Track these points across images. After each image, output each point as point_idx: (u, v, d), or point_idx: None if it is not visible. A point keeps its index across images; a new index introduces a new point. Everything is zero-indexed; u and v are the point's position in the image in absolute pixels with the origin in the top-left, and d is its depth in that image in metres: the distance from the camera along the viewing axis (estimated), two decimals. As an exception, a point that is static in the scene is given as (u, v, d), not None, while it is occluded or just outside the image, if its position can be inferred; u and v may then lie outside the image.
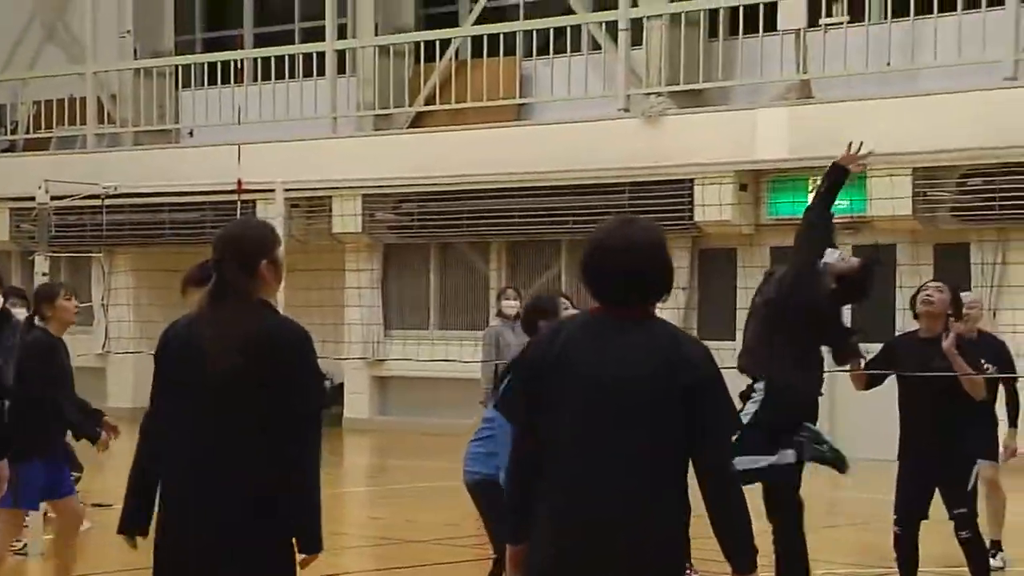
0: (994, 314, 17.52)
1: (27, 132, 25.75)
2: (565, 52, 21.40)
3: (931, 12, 18.67)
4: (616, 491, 4.41)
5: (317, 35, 23.65)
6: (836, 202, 8.94)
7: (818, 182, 16.28)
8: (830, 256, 8.66)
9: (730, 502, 4.46)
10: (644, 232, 4.52)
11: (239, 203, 17.26)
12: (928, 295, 8.90)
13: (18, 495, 8.52)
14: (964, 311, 9.63)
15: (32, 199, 10.87)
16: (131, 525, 5.14)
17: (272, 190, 15.82)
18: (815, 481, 8.82)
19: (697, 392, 4.40)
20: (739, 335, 18.11)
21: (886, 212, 18.24)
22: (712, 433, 4.45)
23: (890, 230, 18.51)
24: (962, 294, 9.43)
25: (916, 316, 9.02)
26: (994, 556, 10.46)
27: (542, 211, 20.71)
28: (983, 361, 9.37)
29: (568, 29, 21.40)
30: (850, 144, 8.91)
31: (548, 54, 21.74)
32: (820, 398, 8.77)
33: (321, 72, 23.23)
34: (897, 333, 11.06)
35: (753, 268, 18.62)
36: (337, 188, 21.86)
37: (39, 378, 8.56)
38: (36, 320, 8.90)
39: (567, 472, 4.47)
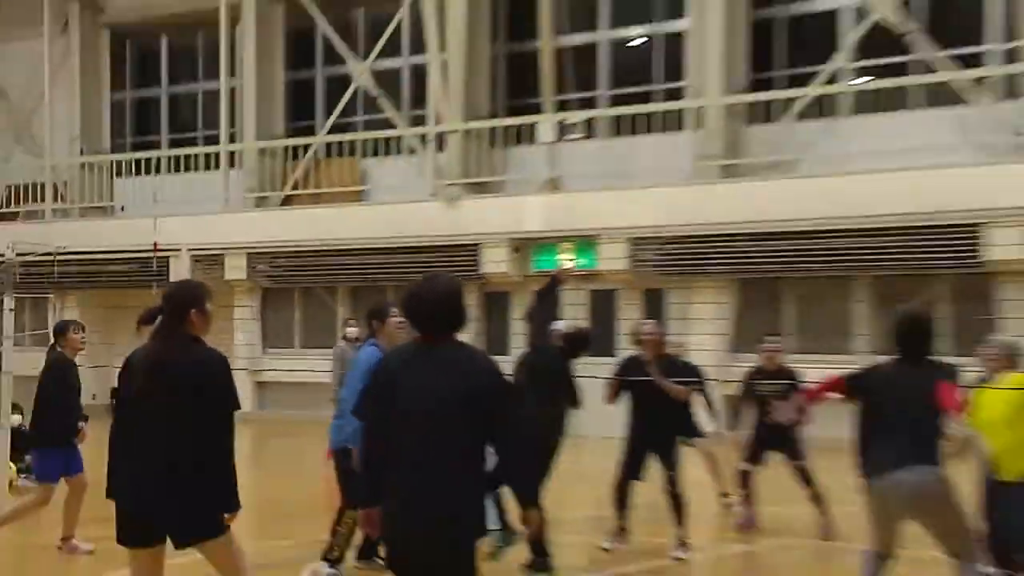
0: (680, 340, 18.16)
1: (0, 207, 25.09)
2: (391, 154, 21.40)
3: (638, 133, 18.94)
4: (435, 470, 4.26)
5: (214, 139, 23.43)
6: (557, 291, 8.56)
7: (566, 245, 16.74)
8: (558, 326, 8.40)
9: (515, 462, 4.39)
10: (445, 284, 4.47)
11: (155, 260, 17.34)
12: (647, 330, 8.83)
13: (41, 473, 8.58)
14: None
15: (2, 255, 10.87)
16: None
17: (179, 249, 15.73)
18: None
19: (490, 392, 4.32)
20: (513, 351, 17.93)
21: (610, 267, 18.54)
22: (501, 419, 4.33)
23: (613, 280, 18.81)
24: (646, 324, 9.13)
25: (637, 343, 8.84)
26: (729, 505, 10.53)
27: (374, 265, 20.44)
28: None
29: (394, 139, 21.47)
30: (561, 268, 9.05)
31: (380, 155, 21.54)
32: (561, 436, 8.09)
33: (217, 166, 22.94)
34: (619, 355, 10.84)
35: (522, 305, 18.60)
36: (228, 248, 21.76)
37: (58, 387, 8.46)
38: (56, 347, 8.66)
39: (402, 456, 4.32)
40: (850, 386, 6.03)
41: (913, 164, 16.22)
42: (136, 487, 4.97)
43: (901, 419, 5.78)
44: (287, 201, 22.41)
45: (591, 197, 18.65)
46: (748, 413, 10.00)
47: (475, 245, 19.48)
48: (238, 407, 5.04)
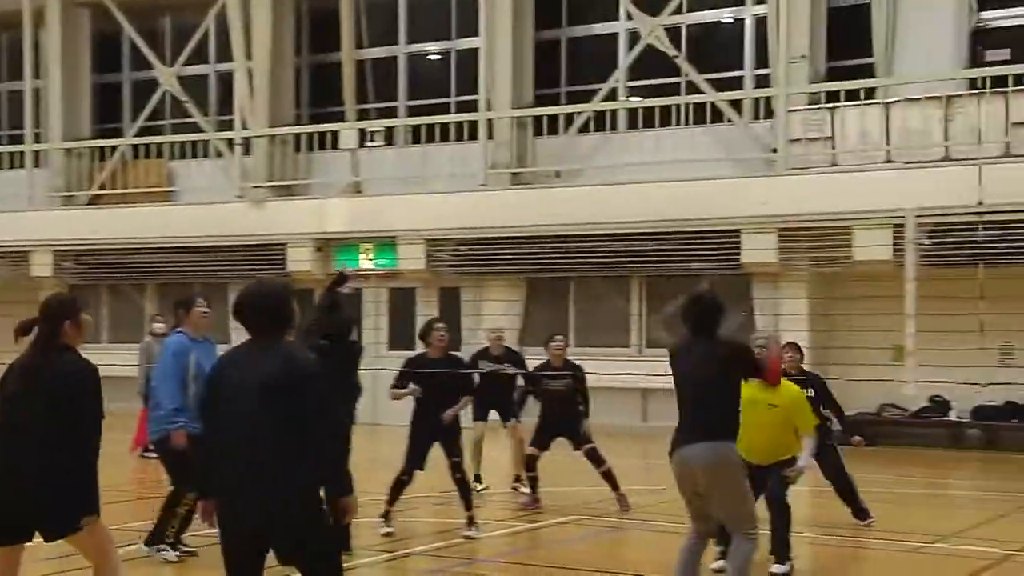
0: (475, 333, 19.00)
1: None
2: (199, 157, 21.48)
3: (435, 141, 19.49)
4: (257, 460, 4.32)
5: (18, 139, 23.16)
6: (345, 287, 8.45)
7: (367, 247, 17.37)
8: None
9: (333, 452, 4.52)
10: (270, 287, 4.58)
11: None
12: (441, 335, 9.02)
13: None
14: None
15: None
16: None
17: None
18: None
19: (302, 385, 4.37)
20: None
21: (410, 267, 19.18)
22: (316, 411, 4.39)
23: (412, 278, 19.44)
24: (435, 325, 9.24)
25: (428, 344, 9.05)
26: (518, 487, 10.72)
27: (182, 263, 20.57)
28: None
29: (202, 143, 21.52)
30: (345, 267, 9.27)
31: (187, 158, 21.63)
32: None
33: (21, 165, 22.72)
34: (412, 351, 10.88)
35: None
36: (34, 246, 21.68)
37: None
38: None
39: (226, 449, 4.38)
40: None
41: (680, 176, 17.45)
42: (4, 487, 5.10)
43: (690, 396, 5.83)
44: (95, 200, 22.35)
45: (391, 201, 19.31)
46: (533, 402, 10.51)
47: (281, 245, 19.76)
48: (102, 416, 5.19)
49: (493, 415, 11.30)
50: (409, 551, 8.35)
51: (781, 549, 7.27)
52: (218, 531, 4.39)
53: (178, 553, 7.53)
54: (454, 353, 9.41)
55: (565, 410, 10.04)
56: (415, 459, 8.97)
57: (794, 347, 9.13)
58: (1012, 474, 13.68)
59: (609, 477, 9.98)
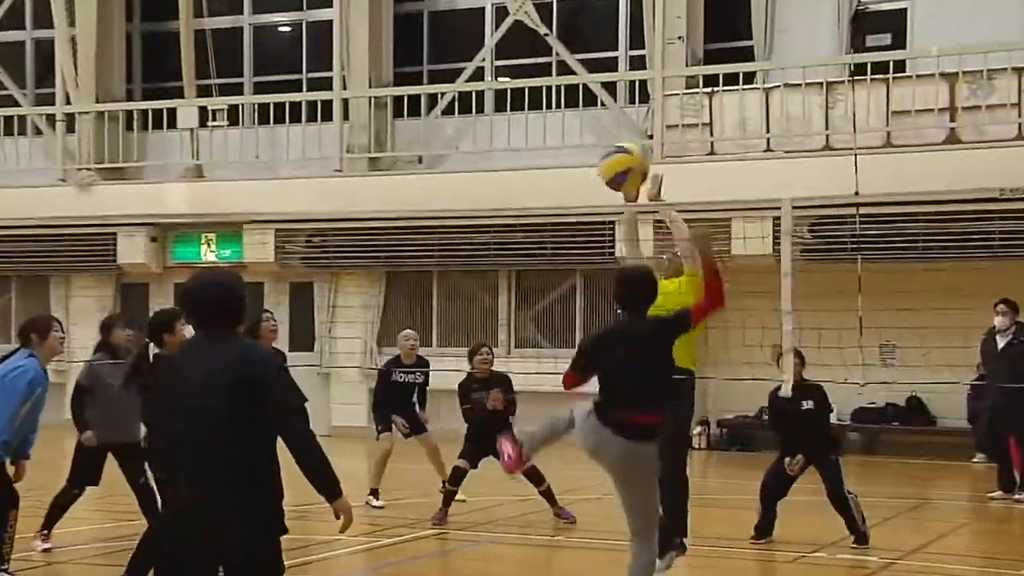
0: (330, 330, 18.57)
1: None
2: (15, 135, 20.37)
3: (285, 122, 19.06)
4: (207, 465, 4.22)
5: None
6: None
7: (209, 237, 16.74)
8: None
9: (311, 454, 4.30)
10: (218, 278, 4.51)
11: None
12: (272, 326, 8.99)
13: None
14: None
15: None
16: None
17: None
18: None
19: (261, 381, 4.28)
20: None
21: (257, 258, 18.69)
22: (279, 407, 4.33)
23: (259, 272, 18.75)
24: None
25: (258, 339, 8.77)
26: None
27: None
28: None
29: (16, 117, 20.56)
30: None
31: (1, 135, 20.43)
32: None
33: None
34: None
35: (161, 299, 18.96)
36: None
37: None
38: None
39: (179, 452, 4.31)
40: (581, 366, 6.03)
41: (551, 163, 17.13)
42: None
43: (621, 377, 5.87)
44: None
45: (236, 186, 18.75)
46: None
47: (111, 234, 19.26)
48: None
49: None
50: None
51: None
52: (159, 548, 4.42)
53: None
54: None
55: (497, 425, 9.65)
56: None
57: (798, 355, 9.05)
58: (890, 479, 13.92)
59: (548, 495, 9.98)
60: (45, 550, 8.50)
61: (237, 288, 4.44)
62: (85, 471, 8.28)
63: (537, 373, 13.68)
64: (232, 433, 4.18)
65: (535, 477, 9.74)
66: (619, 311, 6.06)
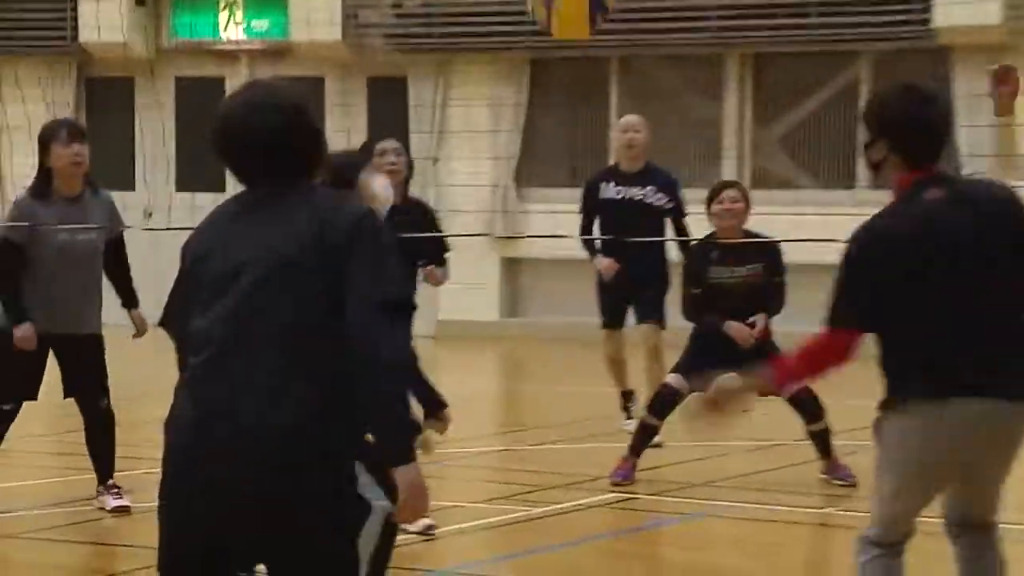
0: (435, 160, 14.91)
1: None
2: None
3: None
4: (260, 364, 3.47)
5: None
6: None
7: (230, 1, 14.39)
8: None
9: (390, 375, 3.59)
10: (277, 95, 3.68)
11: None
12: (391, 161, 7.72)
13: None
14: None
15: None
16: None
17: None
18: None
19: (351, 242, 3.54)
20: (140, 185, 15.66)
21: (312, 37, 14.71)
22: (361, 293, 3.55)
23: (317, 59, 15.08)
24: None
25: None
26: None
27: None
28: None
29: None
30: None
31: None
32: None
33: None
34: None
35: (155, 105, 15.57)
36: None
37: None
38: None
39: (212, 349, 3.47)
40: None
41: None
42: None
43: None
44: None
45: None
46: None
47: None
48: None
49: None
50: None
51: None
52: (160, 508, 3.50)
53: None
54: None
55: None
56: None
57: None
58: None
59: (821, 439, 8.41)
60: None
61: (310, 111, 3.65)
62: (13, 377, 7.13)
63: (791, 240, 10.14)
64: (296, 332, 3.48)
65: (808, 406, 8.15)
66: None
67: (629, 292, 9.20)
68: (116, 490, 6.50)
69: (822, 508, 7.89)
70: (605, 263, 9.21)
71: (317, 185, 3.70)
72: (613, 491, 8.02)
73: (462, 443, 7.53)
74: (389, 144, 7.40)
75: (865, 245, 4.37)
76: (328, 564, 3.39)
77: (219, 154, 3.63)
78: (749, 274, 8.25)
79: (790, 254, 8.87)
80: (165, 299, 4.41)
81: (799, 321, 7.50)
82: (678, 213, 9.13)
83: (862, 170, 13.67)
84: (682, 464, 8.91)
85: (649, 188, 9.22)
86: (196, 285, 3.55)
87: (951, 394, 4.31)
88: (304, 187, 3.59)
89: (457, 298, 13.48)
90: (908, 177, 4.37)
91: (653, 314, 9.27)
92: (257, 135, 3.56)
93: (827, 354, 4.47)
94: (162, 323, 4.08)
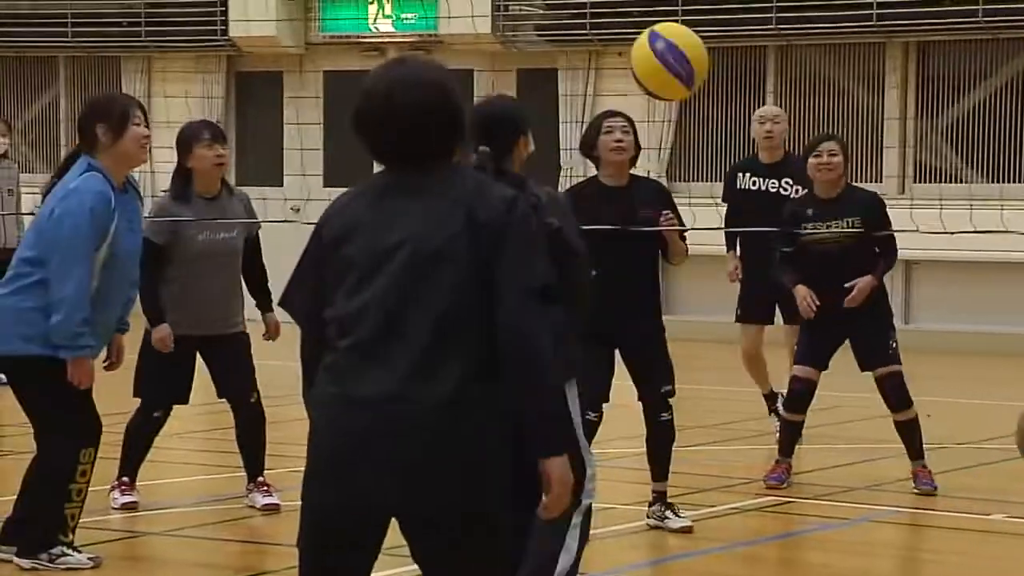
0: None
1: None
2: None
3: None
4: (411, 365, 3.56)
5: None
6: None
7: None
8: None
9: (536, 367, 3.69)
10: (425, 73, 3.66)
11: None
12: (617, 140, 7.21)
13: None
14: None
15: None
16: None
17: None
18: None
19: (504, 232, 3.61)
20: (288, 180, 15.85)
21: (462, 29, 14.80)
22: (511, 282, 3.61)
23: (466, 52, 15.14)
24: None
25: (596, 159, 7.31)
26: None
27: (39, 22, 16.73)
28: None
29: None
30: None
31: None
32: None
33: None
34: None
35: (304, 100, 15.95)
36: None
37: None
38: None
39: (357, 346, 3.58)
40: None
41: None
42: None
43: None
44: None
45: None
46: None
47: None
48: None
49: None
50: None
51: None
52: (305, 507, 3.58)
53: (92, 557, 6.26)
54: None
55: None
56: None
57: None
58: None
59: (912, 433, 8.16)
60: (126, 506, 7.21)
61: (455, 90, 3.63)
62: (162, 383, 7.09)
63: (945, 233, 10.42)
64: (447, 317, 3.55)
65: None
66: None
67: (772, 289, 8.81)
68: (266, 488, 6.52)
69: (989, 515, 7.53)
70: (730, 267, 9.12)
71: (461, 167, 3.68)
72: (768, 494, 7.78)
73: (610, 444, 7.42)
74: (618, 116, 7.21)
75: None
76: (480, 527, 3.43)
77: (358, 131, 3.57)
78: (847, 233, 7.86)
79: (962, 249, 8.55)
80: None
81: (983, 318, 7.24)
82: None
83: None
84: (841, 467, 8.63)
85: (785, 180, 8.95)
86: (336, 267, 3.53)
87: None
88: (447, 168, 3.56)
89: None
90: None
91: (798, 316, 8.82)
92: (398, 111, 3.50)
93: None
94: (282, 302, 3.99)
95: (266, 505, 6.78)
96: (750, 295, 8.97)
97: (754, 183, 9.08)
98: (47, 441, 6.10)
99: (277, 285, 5.45)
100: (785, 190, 8.93)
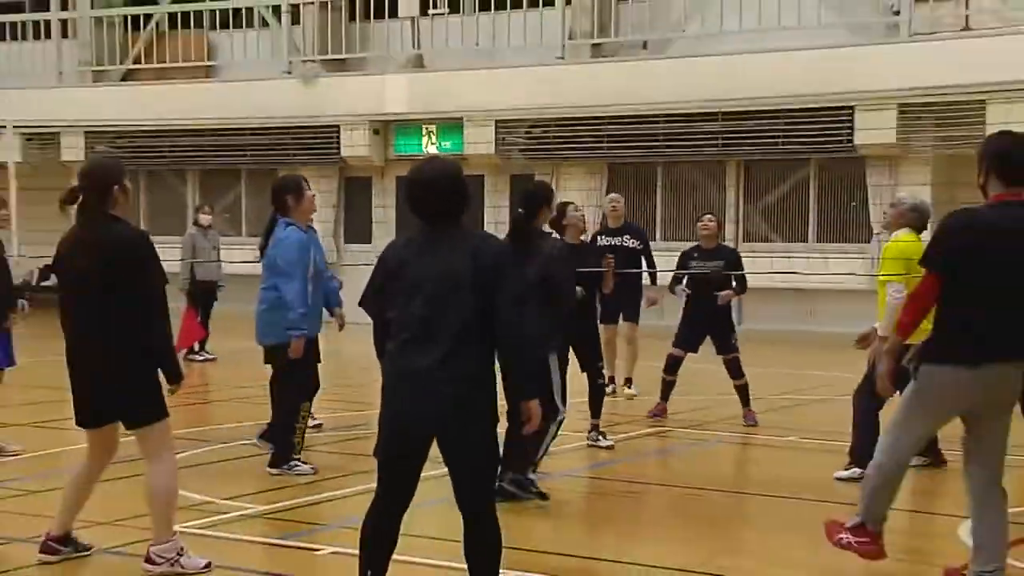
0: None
1: None
2: (242, 27, 21.35)
3: (506, 8, 19.15)
4: (445, 347, 4.37)
5: (44, 5, 22.91)
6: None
7: (430, 129, 17.15)
8: None
9: (521, 346, 4.47)
10: (444, 167, 4.54)
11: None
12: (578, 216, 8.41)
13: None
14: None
15: None
16: None
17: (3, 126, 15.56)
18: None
19: (497, 268, 4.39)
20: (375, 240, 19.22)
21: (478, 151, 18.93)
22: (508, 294, 4.41)
23: (480, 164, 18.98)
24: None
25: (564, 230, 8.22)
26: (628, 385, 11.11)
27: (226, 147, 20.73)
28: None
29: (244, 9, 21.33)
30: None
31: (229, 28, 21.53)
32: None
33: (48, 35, 22.54)
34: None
35: (384, 192, 20.00)
36: (64, 127, 21.61)
37: None
38: None
39: (409, 335, 4.41)
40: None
41: (786, 45, 16.99)
42: (80, 370, 5.36)
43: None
44: (128, 76, 22.33)
45: (457, 77, 19.11)
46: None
47: (334, 127, 19.85)
48: (165, 282, 5.39)
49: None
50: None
51: None
52: (380, 432, 4.43)
53: (311, 466, 7.61)
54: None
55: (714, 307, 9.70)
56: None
57: None
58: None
59: (744, 391, 9.87)
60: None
61: (462, 179, 4.52)
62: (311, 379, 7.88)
63: (769, 272, 14.12)
64: (464, 315, 4.34)
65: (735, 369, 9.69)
66: None
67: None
68: None
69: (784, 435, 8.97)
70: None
71: (469, 227, 4.49)
72: (653, 424, 9.41)
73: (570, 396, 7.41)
74: (575, 205, 8.39)
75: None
76: (484, 439, 4.35)
77: (408, 202, 4.44)
78: (716, 268, 9.75)
79: (775, 281, 11.62)
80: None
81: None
82: None
83: None
84: (699, 410, 10.13)
85: (626, 236, 10.94)
86: (392, 287, 4.39)
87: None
88: (459, 225, 4.42)
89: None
90: None
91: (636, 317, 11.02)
92: (433, 188, 4.40)
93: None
94: (361, 304, 4.68)
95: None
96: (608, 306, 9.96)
97: (608, 240, 10.88)
98: (284, 390, 7.61)
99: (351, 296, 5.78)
100: (627, 244, 10.88)
